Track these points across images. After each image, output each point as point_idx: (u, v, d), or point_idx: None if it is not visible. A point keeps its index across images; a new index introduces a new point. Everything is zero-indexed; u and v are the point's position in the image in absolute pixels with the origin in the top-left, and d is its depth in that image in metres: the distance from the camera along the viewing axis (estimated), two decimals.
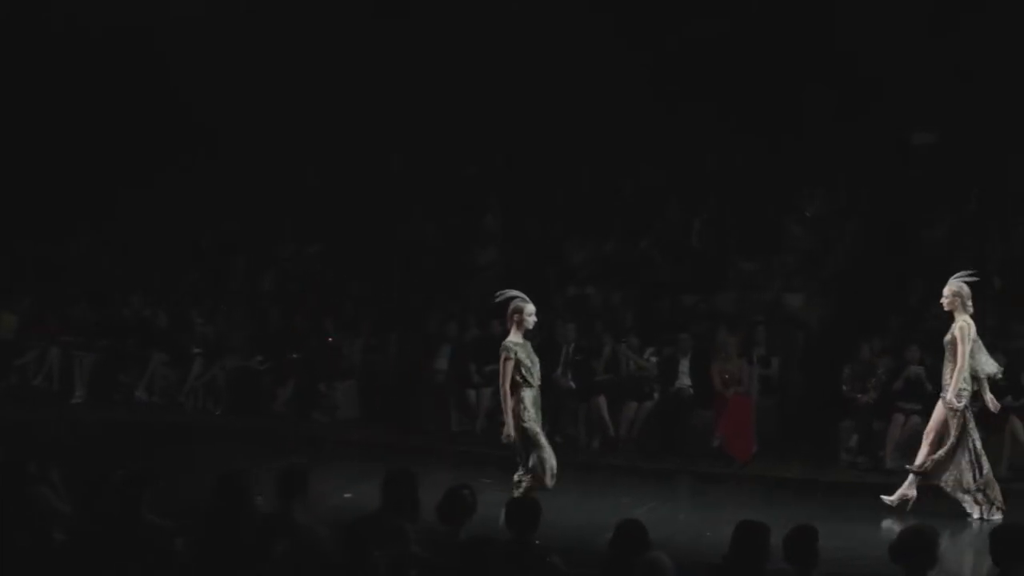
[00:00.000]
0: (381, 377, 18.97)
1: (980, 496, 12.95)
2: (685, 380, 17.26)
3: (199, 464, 13.93)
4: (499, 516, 8.37)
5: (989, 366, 13.08)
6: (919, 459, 13.13)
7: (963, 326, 12.89)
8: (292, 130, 22.12)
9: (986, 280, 17.52)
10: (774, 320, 18.09)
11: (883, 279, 17.20)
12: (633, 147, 21.16)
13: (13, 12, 22.72)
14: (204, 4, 22.37)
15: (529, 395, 11.76)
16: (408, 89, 21.59)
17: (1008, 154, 19.24)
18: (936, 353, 13.88)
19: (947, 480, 13.00)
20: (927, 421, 13.46)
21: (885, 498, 13.13)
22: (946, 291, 13.08)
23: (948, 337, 13.00)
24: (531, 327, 12.03)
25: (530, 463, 11.67)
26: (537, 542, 7.95)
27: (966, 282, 13.07)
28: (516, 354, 11.75)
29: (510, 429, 11.74)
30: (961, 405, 12.88)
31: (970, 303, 13.00)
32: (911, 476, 13.12)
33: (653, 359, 17.51)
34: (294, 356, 19.25)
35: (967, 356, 12.81)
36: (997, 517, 12.82)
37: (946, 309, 13.10)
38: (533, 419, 11.72)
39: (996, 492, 13.00)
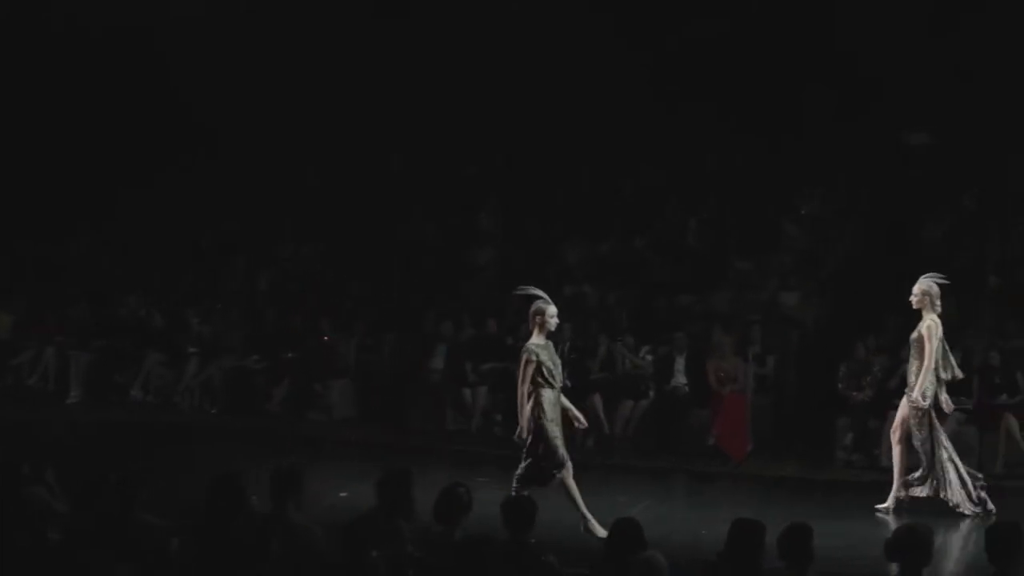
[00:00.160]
0: (377, 376, 18.98)
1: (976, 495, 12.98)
2: (681, 379, 17.28)
3: (195, 464, 13.95)
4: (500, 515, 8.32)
5: (950, 370, 13.11)
6: (896, 465, 13.19)
7: (931, 325, 12.95)
8: (292, 130, 22.12)
9: (983, 280, 17.59)
10: (770, 319, 18.10)
11: (879, 278, 17.20)
12: (633, 147, 21.17)
13: (13, 12, 22.72)
14: (204, 4, 22.36)
15: (549, 396, 11.70)
16: (408, 89, 21.60)
17: (1008, 154, 19.25)
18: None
19: (944, 495, 12.99)
20: None
21: (879, 508, 13.14)
22: (916, 289, 13.13)
23: (915, 335, 13.06)
24: (553, 328, 11.96)
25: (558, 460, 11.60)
26: (533, 541, 7.95)
27: (936, 283, 13.10)
28: (538, 356, 11.68)
29: (524, 431, 11.71)
30: (927, 404, 12.92)
31: (939, 302, 13.05)
32: (897, 478, 13.13)
33: (649, 358, 17.53)
34: (290, 356, 19.26)
35: (934, 355, 12.85)
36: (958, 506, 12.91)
37: (915, 307, 13.14)
38: (550, 419, 11.68)
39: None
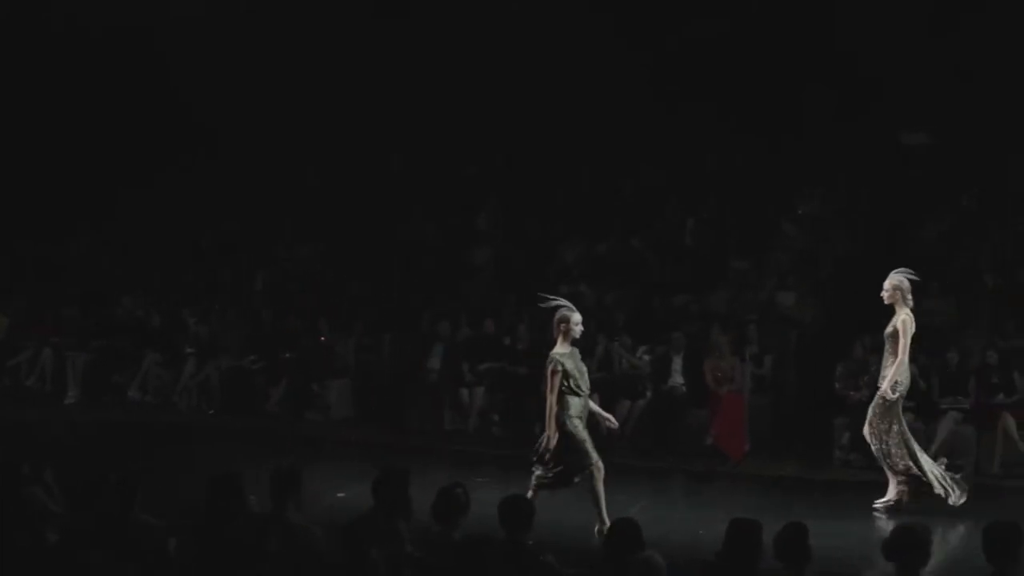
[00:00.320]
0: (375, 376, 18.98)
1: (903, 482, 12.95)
2: (678, 378, 17.27)
3: (193, 464, 13.93)
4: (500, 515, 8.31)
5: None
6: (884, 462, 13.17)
7: (904, 319, 12.96)
8: (292, 130, 22.15)
9: (982, 280, 17.60)
10: (767, 319, 18.10)
11: (877, 277, 17.22)
12: (633, 147, 21.18)
13: (13, 12, 22.74)
14: (204, 4, 22.38)
15: (576, 404, 11.64)
16: (408, 89, 21.61)
17: (1007, 154, 19.25)
18: (930, 350, 13.91)
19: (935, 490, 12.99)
20: (919, 419, 13.46)
21: (877, 507, 13.13)
22: (887, 284, 13.12)
23: (889, 330, 13.06)
24: (578, 336, 11.93)
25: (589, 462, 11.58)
26: (531, 542, 7.95)
27: (908, 278, 13.11)
28: (564, 365, 11.64)
29: (551, 441, 11.57)
30: (895, 397, 12.93)
31: (910, 297, 13.06)
32: (892, 478, 13.12)
33: (646, 357, 17.52)
34: (287, 356, 19.26)
35: (907, 350, 12.87)
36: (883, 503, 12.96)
37: (887, 302, 13.13)
38: (576, 426, 11.63)
39: (929, 486, 12.99)
